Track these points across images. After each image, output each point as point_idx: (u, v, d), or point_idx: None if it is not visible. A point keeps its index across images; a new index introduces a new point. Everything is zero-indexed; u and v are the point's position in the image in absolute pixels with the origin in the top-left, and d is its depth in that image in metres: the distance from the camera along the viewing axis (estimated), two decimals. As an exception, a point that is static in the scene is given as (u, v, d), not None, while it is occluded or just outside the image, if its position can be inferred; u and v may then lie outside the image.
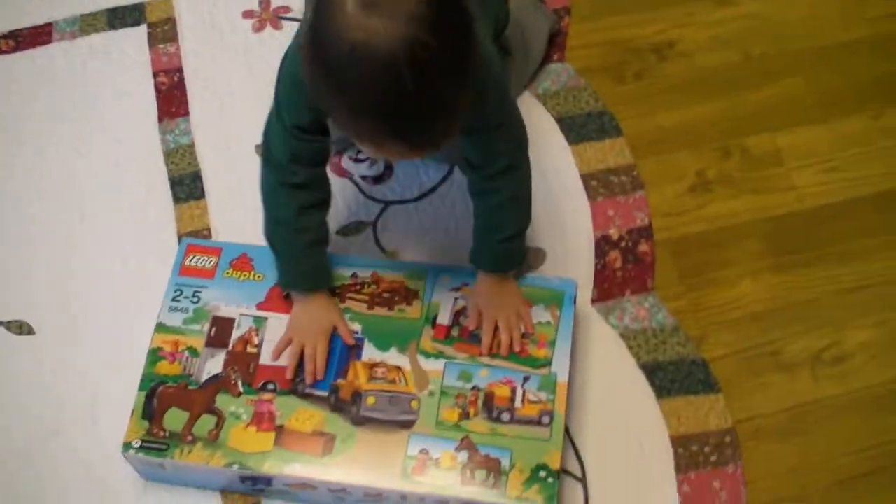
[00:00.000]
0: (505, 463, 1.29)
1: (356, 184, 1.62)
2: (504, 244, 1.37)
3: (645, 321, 1.49)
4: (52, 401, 1.48)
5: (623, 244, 1.55)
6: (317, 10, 1.03)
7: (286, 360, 1.37)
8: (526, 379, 1.35)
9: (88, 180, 1.67)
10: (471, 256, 1.41)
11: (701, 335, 1.48)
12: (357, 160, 1.63)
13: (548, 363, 1.36)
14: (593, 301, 1.51)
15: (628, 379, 1.45)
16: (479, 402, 1.34)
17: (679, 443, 1.39)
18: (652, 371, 1.45)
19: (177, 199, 1.64)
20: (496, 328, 1.37)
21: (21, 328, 1.54)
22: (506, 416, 1.33)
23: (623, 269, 1.53)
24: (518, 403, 1.33)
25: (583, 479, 1.37)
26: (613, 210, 1.58)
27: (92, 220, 1.63)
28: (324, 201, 1.39)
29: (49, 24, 1.84)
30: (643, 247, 1.55)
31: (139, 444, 1.32)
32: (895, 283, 1.51)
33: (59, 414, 1.47)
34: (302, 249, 1.39)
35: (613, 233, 1.57)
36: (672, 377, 1.44)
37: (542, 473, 1.28)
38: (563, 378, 1.35)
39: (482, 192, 1.35)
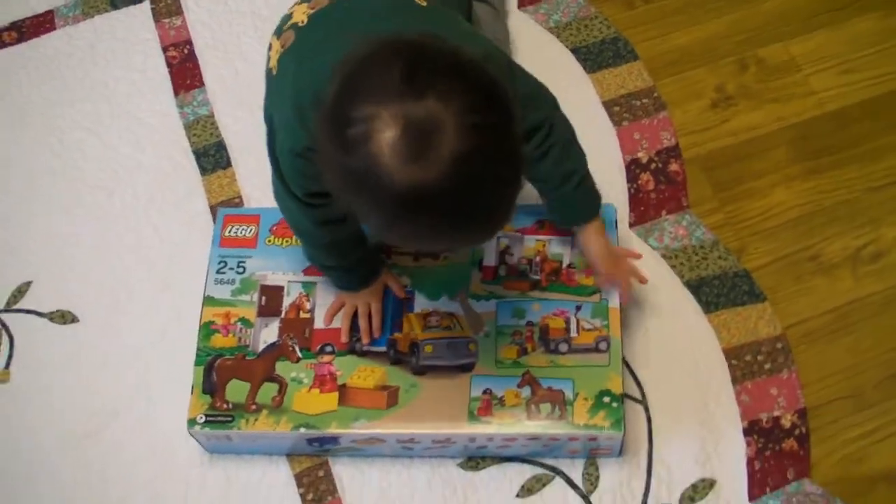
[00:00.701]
0: (568, 393, 1.30)
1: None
2: (581, 187, 1.31)
3: (685, 239, 1.49)
4: (107, 384, 1.48)
5: (653, 166, 1.55)
6: (341, 150, 0.95)
7: (340, 322, 1.37)
8: (578, 308, 1.35)
9: (111, 161, 1.66)
10: (560, 220, 1.38)
11: (741, 247, 1.48)
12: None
13: (597, 290, 1.36)
14: (631, 225, 1.51)
15: (675, 298, 1.45)
16: (536, 337, 1.34)
17: (732, 354, 1.40)
18: (697, 287, 1.45)
19: (203, 171, 1.62)
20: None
21: (64, 318, 1.54)
22: (563, 347, 1.33)
23: (656, 190, 1.53)
24: (573, 333, 1.34)
25: (643, 401, 1.38)
26: (639, 133, 1.58)
27: (121, 200, 1.62)
28: (360, 239, 1.34)
29: (50, 12, 1.82)
30: (673, 166, 1.55)
31: (203, 418, 1.33)
32: (925, 177, 1.52)
33: (115, 397, 1.47)
34: (349, 266, 1.36)
35: (642, 156, 1.56)
36: (717, 291, 1.45)
37: (606, 399, 1.29)
38: (614, 303, 1.35)
39: (538, 159, 1.28)
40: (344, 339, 1.36)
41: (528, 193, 1.31)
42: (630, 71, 1.64)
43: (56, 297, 1.55)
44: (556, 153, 1.27)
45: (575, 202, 1.33)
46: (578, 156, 1.31)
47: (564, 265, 1.39)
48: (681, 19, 1.69)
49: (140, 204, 1.61)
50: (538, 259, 1.39)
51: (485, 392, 1.31)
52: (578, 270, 1.38)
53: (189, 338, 1.42)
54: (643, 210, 1.52)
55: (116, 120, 1.69)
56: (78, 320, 1.53)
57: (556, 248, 1.40)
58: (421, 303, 1.38)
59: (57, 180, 1.65)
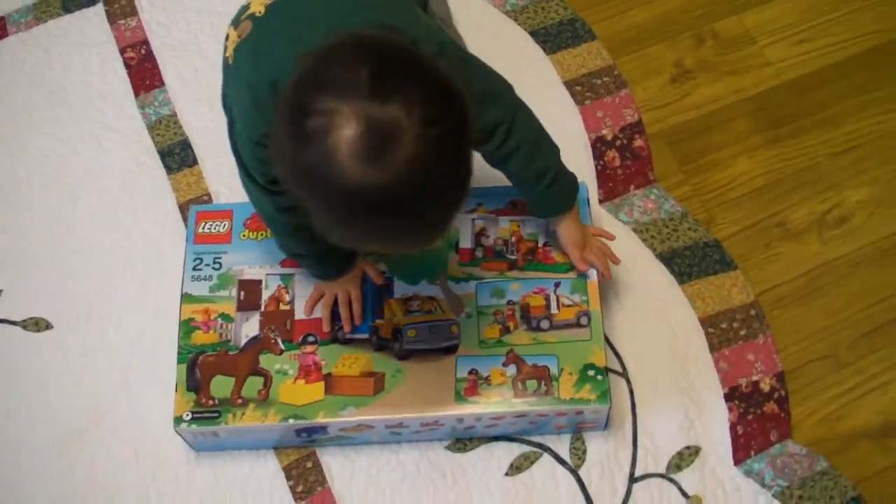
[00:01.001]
0: (553, 369, 1.31)
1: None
2: (556, 185, 1.31)
3: (654, 213, 1.51)
4: (87, 389, 1.46)
5: (618, 142, 1.57)
6: (295, 140, 0.95)
7: (320, 312, 1.37)
8: (557, 285, 1.37)
9: (75, 165, 1.63)
10: (535, 211, 1.39)
11: (709, 217, 1.51)
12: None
13: (574, 266, 1.37)
14: (601, 201, 1.52)
15: (649, 270, 1.47)
16: (517, 315, 1.35)
17: (708, 323, 1.42)
18: (669, 259, 1.47)
19: (170, 170, 1.61)
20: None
21: (38, 325, 1.51)
22: (545, 324, 1.34)
23: (623, 166, 1.55)
24: (554, 310, 1.35)
25: (624, 373, 1.40)
26: (602, 111, 1.60)
27: (87, 203, 1.60)
28: None
29: (1, 18, 1.78)
30: (638, 142, 1.57)
31: (190, 416, 1.32)
32: (882, 139, 1.56)
33: (96, 401, 1.45)
34: (321, 255, 1.34)
35: (607, 133, 1.58)
36: (689, 262, 1.47)
37: (591, 372, 1.30)
38: (592, 278, 1.37)
39: (502, 159, 1.28)
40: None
41: (500, 175, 1.32)
42: (589, 50, 1.66)
43: (28, 305, 1.53)
44: (523, 156, 1.26)
45: (550, 198, 1.33)
46: (548, 152, 1.30)
47: (540, 244, 1.40)
48: (636, -5, 1.72)
49: (108, 206, 1.59)
50: (514, 239, 1.40)
51: (470, 372, 1.32)
52: (554, 248, 1.39)
53: (168, 337, 1.41)
54: (611, 186, 1.54)
55: (78, 124, 1.67)
56: (52, 327, 1.51)
57: (530, 227, 1.41)
58: (401, 288, 1.38)
59: (21, 187, 1.62)
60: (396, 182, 0.92)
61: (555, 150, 1.30)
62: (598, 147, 1.57)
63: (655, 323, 1.43)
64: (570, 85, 1.62)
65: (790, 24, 1.66)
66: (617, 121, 1.59)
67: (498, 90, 1.24)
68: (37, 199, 1.61)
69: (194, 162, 1.61)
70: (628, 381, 1.39)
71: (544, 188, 1.30)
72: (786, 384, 1.39)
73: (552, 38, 1.67)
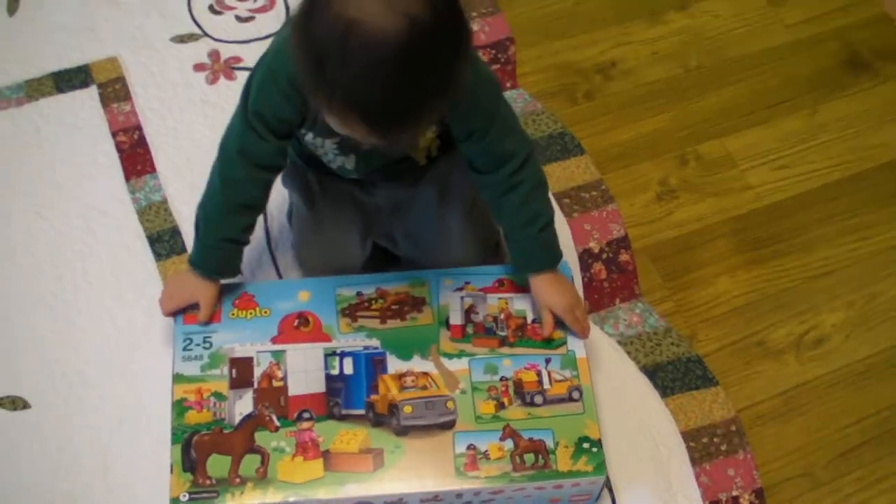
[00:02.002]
0: (549, 442, 1.35)
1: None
2: (544, 233, 1.39)
3: (638, 326, 1.57)
4: (62, 474, 1.44)
5: (605, 256, 1.63)
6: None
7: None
8: (548, 361, 1.42)
9: (62, 246, 1.64)
10: (517, 265, 1.44)
11: (691, 333, 1.57)
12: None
13: (563, 342, 1.43)
14: (588, 313, 1.56)
15: (633, 382, 1.52)
16: (511, 391, 1.39)
17: (690, 436, 1.47)
18: (653, 372, 1.53)
19: (158, 256, 1.62)
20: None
21: (15, 404, 1.50)
22: (538, 399, 1.39)
23: (609, 279, 1.61)
24: (546, 385, 1.40)
25: (607, 482, 1.43)
26: (590, 224, 1.66)
27: (72, 284, 1.60)
28: (254, 206, 1.41)
29: (-8, 93, 1.81)
30: (624, 256, 1.64)
31: (187, 496, 1.31)
32: (856, 265, 1.64)
33: (71, 487, 1.43)
34: (216, 241, 1.42)
35: (594, 246, 1.64)
36: (672, 376, 1.52)
37: (586, 444, 1.35)
38: (581, 354, 1.42)
39: (506, 191, 1.36)
40: (164, 311, 1.44)
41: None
42: (578, 164, 1.73)
43: (6, 383, 1.52)
44: (525, 190, 1.35)
45: (537, 247, 1.40)
46: (547, 200, 1.40)
47: (529, 320, 1.45)
48: (622, 114, 1.80)
49: (94, 289, 1.60)
50: (503, 316, 1.45)
51: (469, 447, 1.35)
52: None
53: (149, 424, 1.43)
54: (597, 298, 1.59)
55: (66, 204, 1.68)
56: (30, 406, 1.49)
57: (518, 304, 1.46)
58: (394, 364, 1.41)
59: (5, 264, 1.62)
60: (397, 29, 1.01)
61: (552, 207, 1.41)
62: (585, 259, 1.63)
63: (639, 434, 1.48)
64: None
65: (769, 150, 1.77)
66: (604, 234, 1.65)
67: (520, 128, 1.39)
68: (20, 276, 1.61)
69: (183, 250, 1.63)
70: (611, 490, 1.43)
71: (535, 233, 1.38)
72: (765, 500, 1.43)
73: (542, 150, 1.74)
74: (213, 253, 1.43)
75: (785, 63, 1.88)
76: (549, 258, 1.42)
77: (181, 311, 1.44)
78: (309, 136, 1.36)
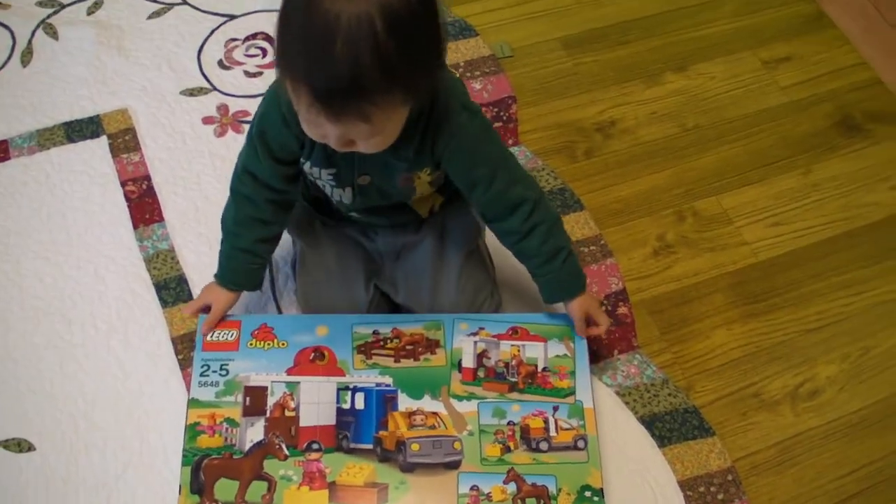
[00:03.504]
0: (552, 488, 1.42)
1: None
2: (567, 263, 1.48)
3: (636, 377, 1.63)
4: (67, 516, 1.50)
5: (603, 308, 1.70)
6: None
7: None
8: (555, 409, 1.49)
9: (70, 290, 1.71)
10: (548, 297, 1.52)
11: (688, 385, 1.63)
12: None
13: (572, 392, 1.50)
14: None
15: (630, 432, 1.58)
16: (517, 436, 1.46)
17: (687, 486, 1.53)
18: (651, 423, 1.59)
19: (164, 303, 1.69)
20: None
21: (20, 446, 1.55)
22: (544, 446, 1.45)
23: (607, 331, 1.67)
24: (553, 432, 1.47)
25: (606, 532, 1.49)
26: (589, 278, 1.71)
27: (79, 328, 1.66)
28: (264, 221, 1.49)
29: (4, 141, 1.88)
30: (622, 309, 1.71)
31: None
32: (849, 320, 1.72)
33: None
34: (230, 250, 1.52)
35: (605, 319, 1.68)
36: (670, 426, 1.59)
37: (588, 493, 1.42)
38: (588, 404, 1.49)
39: (525, 236, 1.45)
40: (187, 310, 1.56)
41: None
42: (578, 219, 1.81)
43: (11, 425, 1.57)
44: (543, 230, 1.45)
45: (563, 277, 1.49)
46: (564, 234, 1.49)
47: (539, 369, 1.52)
48: (621, 172, 1.89)
49: (100, 334, 1.66)
50: (514, 362, 1.52)
51: (472, 488, 1.41)
52: (552, 374, 1.51)
53: (153, 470, 1.49)
54: (596, 349, 1.65)
55: (75, 250, 1.75)
56: (35, 449, 1.55)
57: (530, 352, 1.53)
58: (404, 402, 1.48)
59: (14, 307, 1.69)
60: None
61: (569, 238, 1.51)
62: (585, 310, 1.70)
63: (636, 483, 1.53)
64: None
65: (764, 207, 1.85)
66: (603, 287, 1.73)
67: (525, 174, 1.47)
68: (27, 319, 1.68)
69: (189, 297, 1.69)
70: (610, 540, 1.49)
71: (559, 264, 1.47)
72: (761, 549, 1.49)
73: (543, 205, 1.82)
74: (229, 262, 1.52)
75: (780, 124, 1.98)
76: (577, 284, 1.51)
77: (200, 314, 1.54)
78: (307, 166, 1.43)
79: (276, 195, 1.46)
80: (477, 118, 1.38)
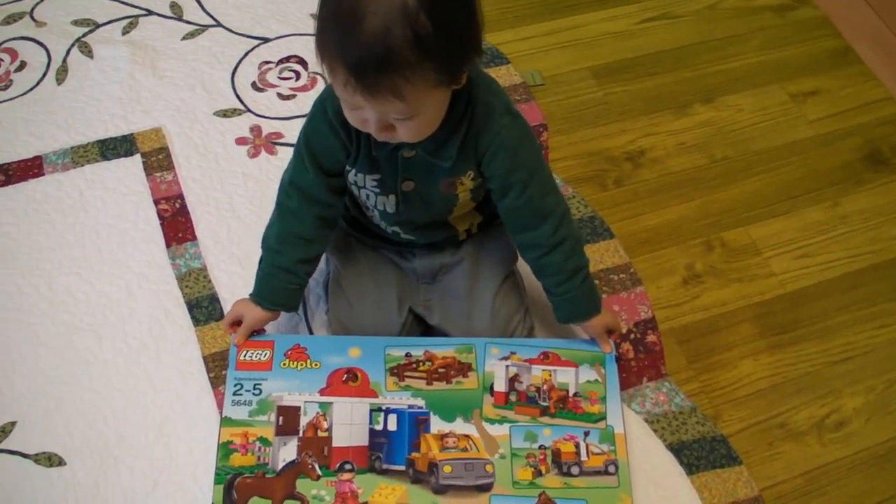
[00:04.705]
0: None
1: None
2: (585, 283, 1.54)
3: (665, 405, 1.68)
4: (99, 534, 1.54)
5: (632, 336, 1.75)
6: None
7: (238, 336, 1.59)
8: (586, 433, 1.53)
9: (102, 307, 1.75)
10: (564, 317, 1.58)
11: (716, 413, 1.68)
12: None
13: (603, 417, 1.54)
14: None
15: (659, 459, 1.62)
16: (549, 460, 1.50)
17: (715, 514, 1.58)
18: (679, 450, 1.63)
19: (196, 322, 1.73)
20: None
21: (50, 460, 1.59)
22: (575, 470, 1.50)
23: (636, 358, 1.72)
24: (584, 457, 1.51)
25: (635, 559, 1.53)
26: (619, 306, 1.78)
27: (110, 344, 1.70)
28: (308, 239, 1.54)
29: (38, 157, 1.93)
30: (651, 337, 1.75)
31: None
32: (875, 352, 1.76)
33: (105, 543, 1.53)
34: (270, 268, 1.55)
35: (622, 326, 1.76)
36: (698, 454, 1.62)
37: None
38: (619, 430, 1.54)
39: (550, 250, 1.50)
40: (237, 341, 1.57)
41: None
42: (607, 248, 1.86)
43: (42, 439, 1.61)
44: (569, 246, 1.51)
45: (582, 297, 1.55)
46: (585, 256, 1.55)
47: (571, 393, 1.56)
48: (650, 201, 1.95)
49: (132, 350, 1.70)
50: (546, 387, 1.57)
51: None
52: (584, 399, 1.56)
53: (182, 487, 1.53)
54: (625, 377, 1.70)
55: (107, 266, 1.80)
56: (65, 463, 1.58)
57: (561, 377, 1.58)
58: (436, 424, 1.52)
59: (46, 322, 1.73)
60: None
61: (587, 257, 1.56)
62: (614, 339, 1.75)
63: (666, 510, 1.58)
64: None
65: (792, 239, 1.90)
66: (632, 315, 1.78)
67: (556, 187, 1.53)
68: (59, 335, 1.72)
69: (221, 316, 1.74)
70: (639, 564, 1.53)
71: (579, 283, 1.53)
72: (788, 578, 1.53)
73: (573, 232, 1.87)
74: (267, 280, 1.56)
75: (807, 156, 2.04)
76: (593, 305, 1.56)
77: (235, 327, 1.58)
78: (352, 174, 1.49)
79: (322, 209, 1.51)
80: (519, 121, 1.43)
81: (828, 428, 1.68)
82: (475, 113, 1.37)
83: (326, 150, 1.44)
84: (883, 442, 1.66)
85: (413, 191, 1.47)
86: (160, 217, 1.86)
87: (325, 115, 1.40)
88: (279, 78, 2.09)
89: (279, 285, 1.56)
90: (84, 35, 2.13)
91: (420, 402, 1.54)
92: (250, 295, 1.58)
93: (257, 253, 1.61)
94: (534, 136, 1.50)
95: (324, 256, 1.73)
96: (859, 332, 1.78)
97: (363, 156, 1.42)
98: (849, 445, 1.66)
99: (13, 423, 1.62)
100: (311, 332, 1.72)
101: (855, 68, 2.21)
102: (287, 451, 1.49)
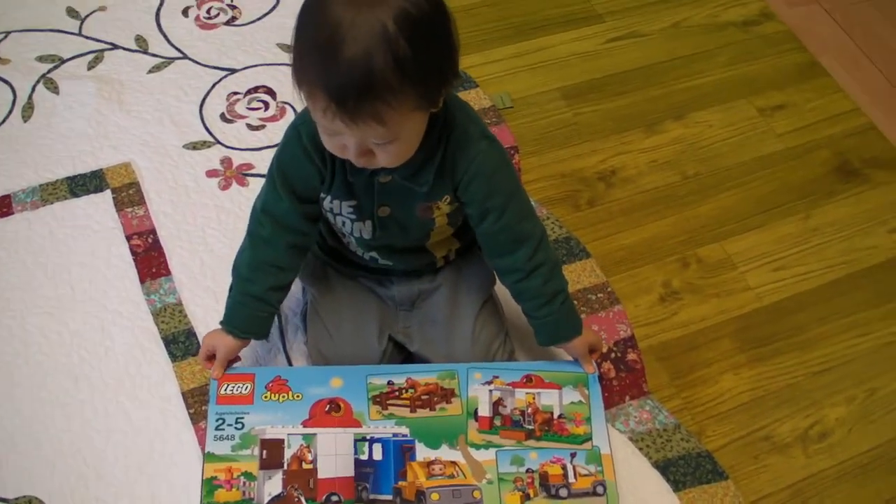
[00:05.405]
0: None
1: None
2: (565, 306, 1.55)
3: (649, 423, 1.69)
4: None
5: (613, 355, 1.76)
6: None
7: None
8: (573, 455, 1.54)
9: (76, 346, 1.74)
10: (544, 339, 1.59)
11: (700, 429, 1.69)
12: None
13: (588, 438, 1.55)
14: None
15: (645, 477, 1.63)
16: (536, 483, 1.51)
17: (703, 530, 1.59)
18: (665, 468, 1.64)
19: (173, 357, 1.73)
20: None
21: None
22: (563, 492, 1.50)
23: (618, 377, 1.74)
24: (572, 479, 1.52)
25: (625, 576, 1.54)
26: (597, 325, 1.80)
27: (87, 384, 1.69)
28: (280, 267, 1.54)
29: (6, 196, 1.92)
30: (631, 355, 1.77)
31: None
32: (854, 362, 1.79)
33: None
34: (241, 296, 1.55)
35: (602, 346, 1.77)
36: (684, 471, 1.64)
37: None
38: (605, 450, 1.55)
39: (528, 274, 1.51)
40: (216, 374, 1.57)
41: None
42: (584, 268, 1.88)
43: (21, 483, 1.59)
44: (547, 270, 1.52)
45: (562, 319, 1.56)
46: (563, 279, 1.56)
47: (555, 416, 1.57)
48: (624, 220, 1.97)
49: (109, 389, 1.69)
50: (530, 410, 1.57)
51: None
52: (568, 420, 1.57)
53: None
54: (608, 396, 1.71)
55: (80, 305, 1.79)
56: (45, 507, 1.58)
57: (545, 399, 1.58)
58: (422, 452, 1.52)
59: (18, 362, 1.71)
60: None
61: (566, 280, 1.58)
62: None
63: (654, 528, 1.59)
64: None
65: (766, 252, 1.93)
66: (612, 334, 1.79)
67: (532, 212, 1.54)
68: (33, 375, 1.70)
69: (199, 351, 1.70)
70: (630, 584, 1.53)
71: (558, 306, 1.54)
72: (779, 592, 1.55)
73: (548, 253, 1.89)
74: (238, 309, 1.56)
75: (778, 170, 2.07)
76: (574, 326, 1.58)
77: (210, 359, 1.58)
78: (327, 201, 1.49)
79: (295, 237, 1.51)
80: (496, 146, 1.45)
81: (812, 439, 1.69)
82: (451, 137, 1.39)
83: (301, 177, 1.45)
84: (866, 451, 1.69)
85: (389, 216, 1.48)
86: (133, 253, 1.86)
87: (300, 140, 1.41)
88: (248, 109, 2.09)
89: (250, 313, 1.56)
90: (49, 71, 2.13)
91: (404, 429, 1.54)
92: (220, 323, 1.58)
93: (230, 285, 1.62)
94: (510, 160, 1.52)
95: (301, 287, 1.75)
96: (837, 343, 1.81)
97: (339, 182, 1.43)
98: (833, 456, 1.68)
99: (-12, 467, 1.62)
100: (289, 363, 1.72)
101: (821, 81, 2.25)
102: (272, 485, 1.48)
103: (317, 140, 1.36)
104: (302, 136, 1.40)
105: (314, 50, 1.18)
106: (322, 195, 1.48)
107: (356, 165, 1.33)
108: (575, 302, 1.75)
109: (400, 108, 1.21)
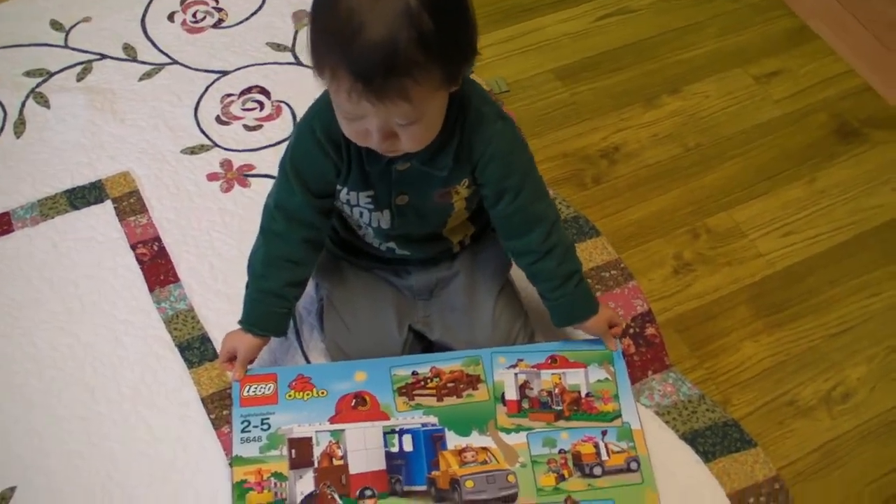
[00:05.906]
0: None
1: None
2: (581, 285, 1.56)
3: (673, 395, 1.69)
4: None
5: (632, 331, 1.77)
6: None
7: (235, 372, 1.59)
8: (604, 433, 1.54)
9: (90, 359, 1.72)
10: (560, 320, 1.59)
11: (724, 399, 1.70)
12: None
13: (618, 415, 1.56)
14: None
15: (675, 450, 1.63)
16: (570, 463, 1.51)
17: (736, 498, 1.58)
18: (693, 439, 1.64)
19: (190, 364, 1.71)
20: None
21: (54, 517, 1.57)
22: (598, 471, 1.51)
23: (638, 352, 1.74)
24: (605, 456, 1.52)
25: (665, 549, 1.54)
26: (614, 302, 1.80)
27: (104, 397, 1.68)
28: (295, 262, 1.54)
29: (6, 214, 1.90)
30: (650, 330, 1.77)
31: None
32: (871, 321, 1.80)
33: None
34: (257, 293, 1.55)
35: (621, 322, 1.77)
36: (712, 441, 1.64)
37: None
38: (636, 425, 1.56)
39: (542, 256, 1.51)
40: (237, 375, 1.57)
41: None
42: (595, 246, 1.88)
43: (44, 502, 1.57)
44: (560, 253, 1.52)
45: (577, 300, 1.56)
46: (578, 260, 1.56)
47: (583, 394, 1.58)
48: (632, 196, 1.97)
49: (127, 400, 1.67)
50: (557, 391, 1.58)
51: None
52: (596, 398, 1.57)
53: None
54: (630, 372, 1.70)
55: (90, 317, 1.77)
56: (68, 520, 1.57)
57: (571, 379, 1.59)
58: (452, 440, 1.52)
59: (33, 381, 1.70)
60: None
61: (580, 261, 1.58)
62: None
63: (689, 500, 1.58)
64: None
65: (774, 218, 1.94)
66: (628, 310, 1.79)
67: (546, 193, 1.54)
68: (48, 392, 1.69)
69: (214, 355, 1.72)
70: (669, 557, 1.54)
71: (573, 288, 1.54)
72: (818, 554, 1.56)
73: (558, 234, 1.89)
74: (255, 306, 1.55)
75: (778, 136, 2.08)
76: (589, 306, 1.58)
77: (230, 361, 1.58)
78: (344, 193, 1.48)
79: (309, 232, 1.50)
80: (510, 126, 1.45)
81: (835, 400, 1.70)
82: (467, 119, 1.38)
83: (316, 172, 1.44)
84: (891, 408, 1.70)
85: (407, 204, 1.47)
86: (139, 261, 1.84)
87: (313, 135, 1.40)
88: (243, 110, 2.08)
89: (267, 310, 1.55)
90: (38, 85, 2.11)
91: (433, 419, 1.54)
92: (239, 322, 1.57)
93: (243, 288, 1.59)
94: (524, 140, 1.52)
95: (314, 285, 1.74)
96: (853, 303, 1.82)
97: (355, 172, 1.43)
98: (858, 415, 1.69)
99: (12, 489, 1.58)
100: (308, 362, 1.71)
101: (813, 45, 2.26)
102: (304, 484, 1.48)
103: (331, 132, 1.36)
104: (315, 130, 1.40)
105: (336, 31, 1.17)
106: (339, 187, 1.47)
107: (378, 152, 1.33)
108: (589, 280, 1.76)
109: (426, 85, 1.20)
